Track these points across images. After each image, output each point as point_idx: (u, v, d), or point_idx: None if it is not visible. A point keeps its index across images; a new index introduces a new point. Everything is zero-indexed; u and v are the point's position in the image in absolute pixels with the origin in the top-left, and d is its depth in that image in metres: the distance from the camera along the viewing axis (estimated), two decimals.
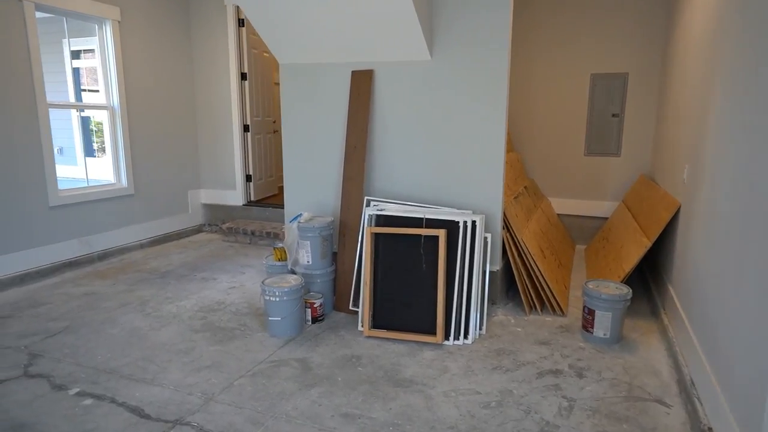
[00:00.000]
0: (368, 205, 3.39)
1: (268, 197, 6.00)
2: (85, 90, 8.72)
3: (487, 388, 2.44)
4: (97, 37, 4.65)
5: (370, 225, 3.12)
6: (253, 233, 5.17)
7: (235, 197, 5.58)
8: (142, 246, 5.02)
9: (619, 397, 2.34)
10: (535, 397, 2.35)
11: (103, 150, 8.70)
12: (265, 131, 5.89)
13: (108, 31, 4.58)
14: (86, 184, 4.58)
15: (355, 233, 3.35)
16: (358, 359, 2.74)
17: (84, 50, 9.01)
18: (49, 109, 4.13)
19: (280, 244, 3.55)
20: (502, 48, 3.04)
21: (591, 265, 4.19)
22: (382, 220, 3.11)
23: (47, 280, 4.08)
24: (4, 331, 3.10)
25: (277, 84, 6.94)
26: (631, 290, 2.88)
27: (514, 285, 3.75)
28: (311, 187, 3.71)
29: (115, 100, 4.69)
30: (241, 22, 5.29)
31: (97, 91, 9.31)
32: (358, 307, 3.31)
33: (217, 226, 5.71)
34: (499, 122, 3.13)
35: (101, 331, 3.09)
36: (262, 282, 3.06)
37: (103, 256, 4.63)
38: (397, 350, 2.84)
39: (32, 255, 4.04)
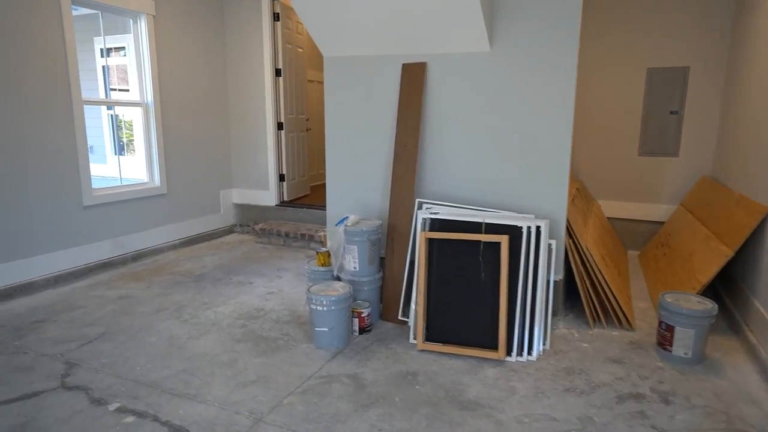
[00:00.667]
0: (420, 207, 3.17)
1: (301, 197, 5.82)
2: (114, 89, 8.68)
3: (563, 413, 2.20)
4: (131, 34, 4.52)
5: (423, 229, 2.90)
6: (287, 235, 5.00)
7: (268, 197, 5.41)
8: (174, 247, 4.88)
9: (718, 430, 2.07)
10: (621, 427, 2.10)
11: (132, 148, 8.66)
12: (298, 129, 5.71)
13: (143, 26, 4.44)
14: (119, 183, 4.45)
15: (405, 237, 3.13)
16: (414, 376, 2.52)
17: (114, 48, 8.98)
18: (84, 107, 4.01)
19: (323, 249, 3.35)
20: (571, 37, 2.79)
21: (651, 274, 3.90)
22: (436, 224, 2.89)
23: (81, 281, 3.95)
24: (40, 337, 2.96)
25: (311, 81, 6.76)
26: (716, 305, 2.60)
27: (572, 295, 3.49)
28: (356, 188, 3.50)
29: (149, 96, 4.55)
30: (276, 16, 5.12)
31: (127, 90, 9.27)
32: (407, 317, 3.10)
33: (249, 226, 5.55)
34: (565, 118, 2.87)
35: (139, 339, 2.93)
36: (308, 289, 2.86)
37: (137, 257, 4.51)
38: (455, 366, 2.62)
39: (66, 256, 3.92)
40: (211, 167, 5.27)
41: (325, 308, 2.76)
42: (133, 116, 8.22)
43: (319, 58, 6.97)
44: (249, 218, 5.54)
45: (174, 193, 4.87)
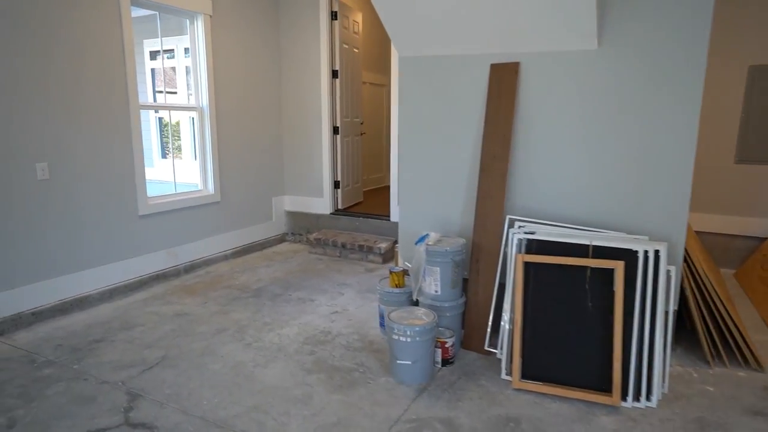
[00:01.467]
0: (511, 225, 2.82)
1: (355, 205, 5.55)
2: (160, 92, 8.64)
3: None
4: (186, 35, 4.33)
5: (519, 251, 2.56)
6: (343, 246, 4.73)
7: (322, 205, 5.16)
8: (226, 257, 4.68)
9: None
10: None
11: (178, 151, 8.60)
12: (353, 133, 5.44)
13: (200, 26, 4.25)
14: (173, 190, 4.27)
15: (493, 258, 2.80)
16: (516, 424, 2.19)
17: (163, 50, 8.95)
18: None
19: (397, 268, 3.05)
20: (701, 32, 2.40)
21: (761, 299, 3.44)
22: (533, 245, 2.54)
23: (136, 294, 3.77)
24: (99, 360, 2.76)
25: (364, 83, 6.49)
26: None
27: (679, 326, 3.08)
28: (431, 201, 3.18)
29: (204, 100, 4.36)
30: (333, 15, 4.86)
31: (174, 92, 9.22)
32: (496, 348, 2.76)
33: (302, 235, 5.31)
34: (689, 126, 2.48)
35: (202, 366, 2.70)
36: (388, 316, 2.56)
37: (190, 268, 4.31)
38: (561, 412, 2.27)
39: (121, 268, 3.75)
40: (263, 174, 5.05)
41: (409, 339, 2.46)
42: (182, 119, 8.16)
43: (372, 58, 6.69)
44: (301, 227, 5.30)
45: (227, 201, 4.66)
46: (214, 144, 4.44)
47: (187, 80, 7.87)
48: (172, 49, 7.90)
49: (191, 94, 4.41)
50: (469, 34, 2.79)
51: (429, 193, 3.18)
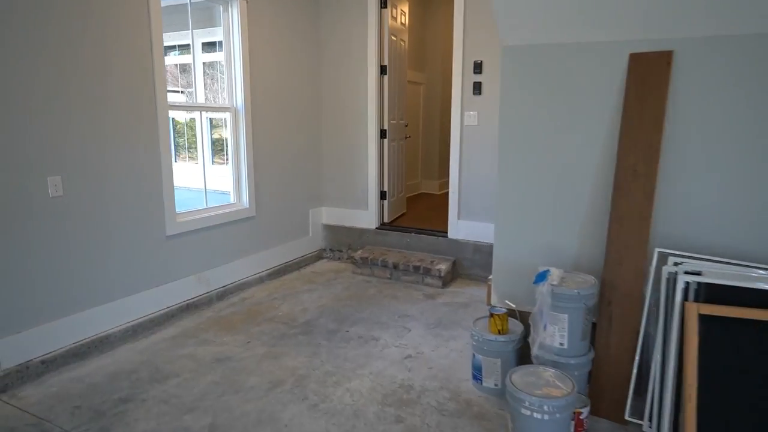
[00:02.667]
0: (663, 261, 2.21)
1: (398, 217, 4.95)
2: (174, 91, 8.01)
3: None
4: (220, 26, 3.73)
5: (685, 297, 1.95)
6: (395, 267, 4.12)
7: (367, 218, 4.55)
8: (261, 280, 4.07)
9: None
10: None
11: (194, 154, 7.96)
12: (399, 137, 4.84)
13: (235, 15, 3.64)
14: (196, 202, 3.66)
15: (632, 302, 2.19)
16: None
17: (191, 44, 8.33)
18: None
19: (500, 308, 2.44)
20: None
21: None
22: (702, 290, 1.94)
23: (163, 330, 3.17)
24: (129, 430, 2.16)
25: (410, 82, 5.88)
26: None
27: None
28: (538, 225, 2.56)
29: (239, 99, 3.75)
30: (383, 2, 4.25)
31: (178, 91, 8.58)
32: (641, 420, 2.15)
33: (341, 252, 4.71)
34: None
35: None
36: (511, 381, 1.96)
37: (222, 294, 3.71)
38: None
39: (145, 299, 3.14)
40: (300, 183, 4.45)
41: (546, 416, 1.85)
42: (197, 119, 7.55)
43: (416, 54, 6.08)
44: (341, 242, 4.69)
45: (263, 215, 4.06)
46: (250, 149, 3.83)
47: (205, 77, 7.26)
48: (187, 44, 7.27)
49: (222, 93, 3.80)
50: (601, 15, 2.18)
51: (535, 214, 2.56)
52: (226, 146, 3.85)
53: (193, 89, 7.40)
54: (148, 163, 3.08)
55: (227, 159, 3.86)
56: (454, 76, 3.95)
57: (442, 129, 6.65)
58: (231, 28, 3.67)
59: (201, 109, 3.64)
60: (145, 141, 3.05)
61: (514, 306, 2.48)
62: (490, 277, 2.72)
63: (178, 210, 3.35)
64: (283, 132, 4.18)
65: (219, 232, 3.66)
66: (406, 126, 5.13)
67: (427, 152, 6.65)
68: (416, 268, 4.03)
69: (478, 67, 3.85)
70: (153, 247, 3.17)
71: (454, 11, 3.88)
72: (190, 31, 3.61)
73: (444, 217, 4.95)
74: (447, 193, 6.59)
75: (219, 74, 7.09)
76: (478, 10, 3.79)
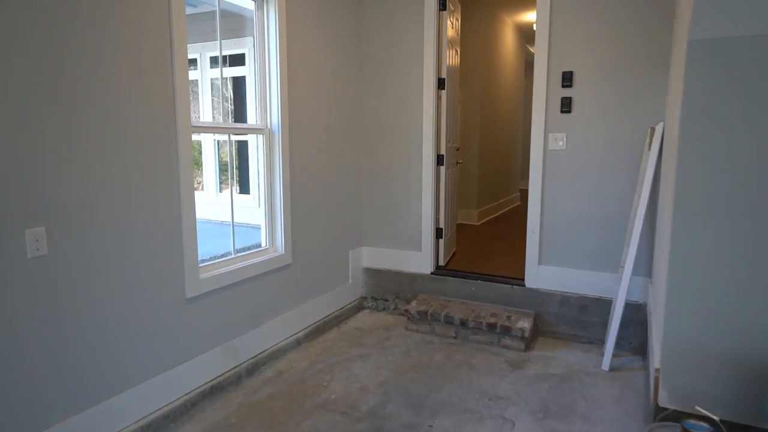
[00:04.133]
0: None
1: (451, 258, 4.18)
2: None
3: None
4: (250, 36, 2.99)
5: None
6: (462, 324, 3.33)
7: (419, 261, 3.77)
8: (298, 342, 3.25)
9: None
10: None
11: (199, 179, 7.17)
12: (451, 163, 4.10)
13: (272, 18, 2.91)
14: (231, 254, 2.86)
15: None
16: None
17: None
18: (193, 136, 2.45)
19: (702, 427, 1.65)
20: None
21: None
22: None
23: (183, 427, 2.34)
24: None
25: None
26: None
27: None
28: (739, 295, 1.80)
29: (275, 117, 3.00)
30: (442, 3, 3.55)
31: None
32: None
33: (387, 301, 3.91)
34: None
35: None
36: None
37: (253, 367, 2.89)
38: None
39: (159, 386, 2.32)
40: (340, 218, 3.67)
41: None
42: (206, 141, 6.78)
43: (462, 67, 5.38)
44: (386, 289, 3.90)
45: (300, 261, 3.27)
46: (287, 179, 3.06)
47: (228, 94, 6.53)
48: (193, 59, 6.55)
49: (255, 111, 3.04)
50: None
51: (740, 276, 1.80)
52: (258, 175, 3.07)
53: (200, 109, 6.65)
54: (163, 201, 2.30)
55: (259, 192, 3.09)
56: (536, 92, 3.23)
57: (481, 151, 5.94)
58: (266, 34, 2.93)
59: (232, 130, 2.87)
60: (160, 171, 2.27)
61: (717, 418, 1.70)
62: (656, 367, 1.93)
63: (200, 261, 2.56)
64: (322, 157, 3.42)
65: (250, 287, 2.86)
66: (458, 150, 4.40)
67: (463, 177, 5.92)
68: (491, 327, 3.24)
69: (567, 80, 3.14)
70: (168, 316, 2.36)
71: (537, 10, 3.19)
72: (217, 41, 2.84)
73: (499, 254, 4.20)
74: (487, 224, 5.90)
75: (225, 92, 6.31)
76: (569, 8, 3.09)
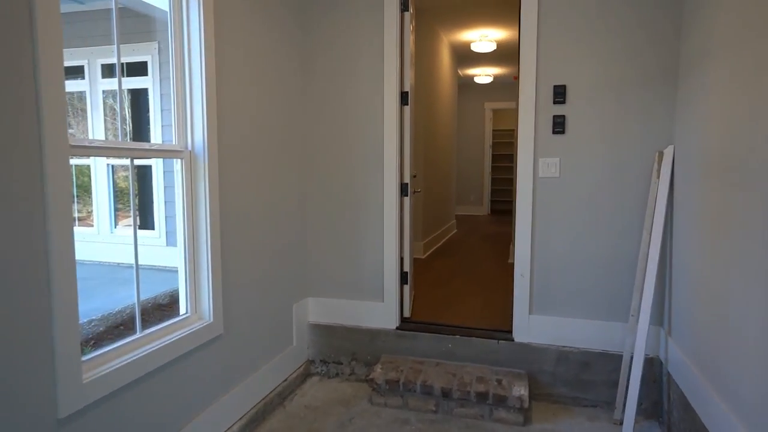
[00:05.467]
0: None
1: (412, 305, 3.52)
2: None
3: None
4: (167, 30, 2.19)
5: None
6: (445, 394, 2.66)
7: (381, 314, 3.07)
8: None
9: None
10: None
11: (83, 212, 5.87)
12: (413, 193, 3.48)
13: (194, 18, 2.12)
14: (136, 333, 1.96)
15: None
16: None
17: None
18: (72, 161, 1.58)
19: None
20: None
21: None
22: None
23: None
24: None
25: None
26: None
27: None
28: None
29: (197, 139, 2.18)
30: (404, 4, 2.97)
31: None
32: None
33: (340, 364, 3.14)
34: None
35: None
36: None
37: None
38: None
39: None
40: (281, 266, 2.88)
41: None
42: (98, 166, 5.57)
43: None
44: (340, 350, 3.14)
45: (233, 329, 2.42)
46: (215, 219, 2.23)
47: (106, 112, 5.40)
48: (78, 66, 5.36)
49: (173, 130, 2.20)
50: None
51: None
52: (177, 210, 2.21)
53: (89, 127, 5.47)
54: (21, 256, 1.40)
55: (184, 234, 2.22)
56: (523, 109, 2.72)
57: (425, 177, 5.41)
58: (186, 38, 2.12)
59: (132, 153, 1.99)
60: (13, 206, 1.38)
61: None
62: None
63: (84, 333, 1.65)
64: (260, 188, 2.63)
65: (165, 378, 1.97)
66: (414, 177, 3.81)
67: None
68: (481, 396, 2.60)
69: (560, 95, 2.66)
70: None
71: (522, 13, 2.70)
72: (115, 45, 1.97)
73: (465, 296, 3.61)
74: (434, 257, 5.32)
75: (118, 106, 5.27)
76: (559, 14, 2.64)
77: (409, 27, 3.01)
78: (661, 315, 2.62)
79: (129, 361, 1.77)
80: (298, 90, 2.99)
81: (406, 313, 3.17)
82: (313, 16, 3.03)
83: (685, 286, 2.28)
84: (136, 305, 1.96)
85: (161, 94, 4.54)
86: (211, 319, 2.23)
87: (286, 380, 2.91)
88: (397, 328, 3.05)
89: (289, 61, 2.87)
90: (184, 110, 2.17)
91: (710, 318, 1.97)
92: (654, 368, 2.62)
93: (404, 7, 2.97)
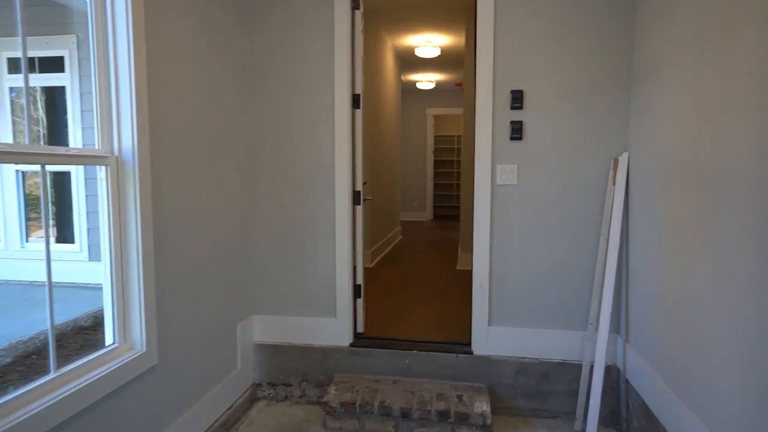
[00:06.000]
0: None
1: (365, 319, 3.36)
2: None
3: None
4: (89, 20, 1.89)
5: None
6: (404, 415, 2.51)
7: (334, 331, 2.88)
8: None
9: None
10: None
11: None
12: (364, 201, 3.32)
13: (121, 4, 1.86)
14: (50, 373, 1.65)
15: None
16: None
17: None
18: None
19: None
20: None
21: None
22: None
23: None
24: None
25: None
26: None
27: None
28: None
29: (127, 141, 1.90)
30: (355, 2, 2.81)
31: None
32: None
33: (290, 386, 2.92)
34: None
35: None
36: None
37: None
38: None
39: None
40: (224, 282, 2.62)
41: None
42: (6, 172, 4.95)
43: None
44: (290, 371, 2.91)
45: (170, 358, 2.14)
46: (147, 235, 1.96)
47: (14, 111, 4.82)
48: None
49: (96, 132, 1.91)
50: None
51: None
52: (102, 224, 1.92)
53: None
54: None
55: (110, 251, 1.93)
56: (480, 114, 2.64)
57: (372, 183, 5.27)
58: (110, 29, 1.85)
59: (46, 159, 1.68)
60: None
61: None
62: None
63: None
64: (200, 197, 2.36)
65: (88, 422, 1.68)
66: (365, 184, 3.65)
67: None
68: (442, 415, 2.48)
69: (517, 100, 2.60)
70: None
71: (477, 20, 2.62)
72: (19, 36, 1.66)
73: (419, 307, 3.49)
74: (382, 265, 5.18)
75: (34, 107, 4.79)
76: (516, 19, 2.58)
77: (360, 26, 2.86)
78: (618, 322, 2.61)
79: (42, 407, 1.48)
80: (242, 93, 2.75)
81: (360, 329, 3.00)
82: (257, 12, 2.81)
83: (644, 292, 2.27)
84: (50, 335, 1.66)
85: (81, 93, 4.09)
86: (144, 349, 1.95)
87: (230, 408, 2.64)
88: (351, 345, 2.87)
89: (231, 61, 2.63)
90: (109, 111, 1.89)
91: (674, 325, 1.95)
92: (612, 376, 2.61)
93: (355, 5, 2.81)
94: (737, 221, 1.49)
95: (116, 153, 1.90)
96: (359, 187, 2.93)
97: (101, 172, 1.88)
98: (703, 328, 1.72)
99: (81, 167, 3.73)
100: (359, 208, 2.95)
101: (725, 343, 1.56)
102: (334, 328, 2.87)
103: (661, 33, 2.12)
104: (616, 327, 2.62)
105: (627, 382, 2.46)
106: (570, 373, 2.65)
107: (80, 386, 1.63)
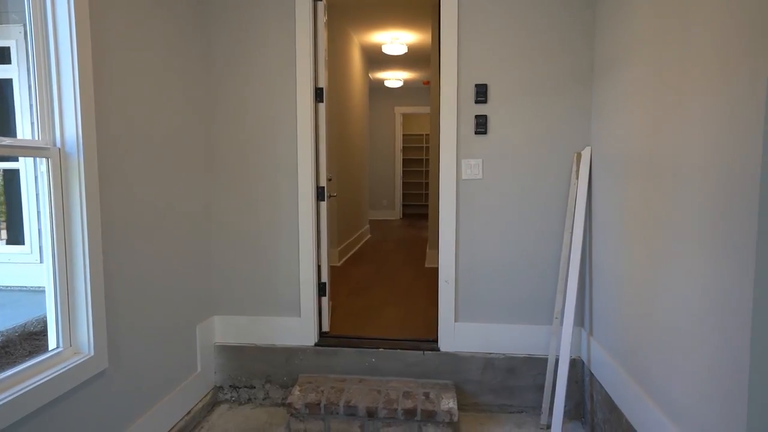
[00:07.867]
0: None
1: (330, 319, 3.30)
2: None
3: None
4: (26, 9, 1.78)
5: None
6: (370, 414, 2.46)
7: (297, 330, 2.81)
8: None
9: None
10: None
11: None
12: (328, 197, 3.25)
13: None
14: None
15: None
16: None
17: None
18: None
19: None
20: None
21: None
22: None
23: None
24: None
25: None
26: None
27: None
28: None
29: (70, 131, 1.79)
30: None
31: None
32: None
33: (253, 388, 2.83)
34: None
35: None
36: None
37: None
38: None
39: None
40: (181, 281, 2.51)
41: None
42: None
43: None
44: (252, 372, 2.82)
45: (122, 361, 2.03)
46: (95, 232, 1.85)
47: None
48: None
49: (32, 123, 1.80)
50: None
51: None
52: (43, 220, 1.81)
53: None
54: None
55: (52, 249, 1.81)
56: (444, 108, 2.62)
57: (339, 181, 5.20)
58: (51, 14, 1.74)
59: None
60: None
61: None
62: None
63: None
64: (153, 192, 2.25)
65: (30, 431, 1.57)
66: (330, 180, 3.58)
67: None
68: (408, 413, 2.44)
69: (481, 94, 2.59)
70: None
71: (441, 14, 2.59)
72: None
73: (387, 306, 3.45)
74: (350, 264, 5.12)
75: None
76: (480, 12, 2.57)
77: (323, 19, 2.79)
78: (582, 315, 2.63)
79: None
80: (200, 83, 2.64)
81: (325, 328, 2.93)
82: (215, 1, 2.71)
83: (607, 285, 2.29)
84: None
85: (30, 86, 3.89)
86: (92, 352, 1.84)
87: (189, 413, 2.54)
88: (316, 345, 2.80)
89: (189, 50, 2.52)
90: (49, 99, 1.77)
91: (636, 317, 1.96)
92: (576, 369, 2.63)
93: None
94: (695, 212, 1.50)
95: (58, 144, 1.78)
96: (323, 182, 2.86)
97: (42, 165, 1.76)
98: (661, 318, 1.73)
99: (30, 163, 3.55)
100: (323, 205, 2.88)
101: (683, 332, 1.57)
102: (299, 327, 2.80)
103: (619, 28, 2.14)
104: (580, 320, 2.63)
105: (591, 374, 2.48)
106: (536, 367, 2.65)
107: (20, 393, 1.51)
